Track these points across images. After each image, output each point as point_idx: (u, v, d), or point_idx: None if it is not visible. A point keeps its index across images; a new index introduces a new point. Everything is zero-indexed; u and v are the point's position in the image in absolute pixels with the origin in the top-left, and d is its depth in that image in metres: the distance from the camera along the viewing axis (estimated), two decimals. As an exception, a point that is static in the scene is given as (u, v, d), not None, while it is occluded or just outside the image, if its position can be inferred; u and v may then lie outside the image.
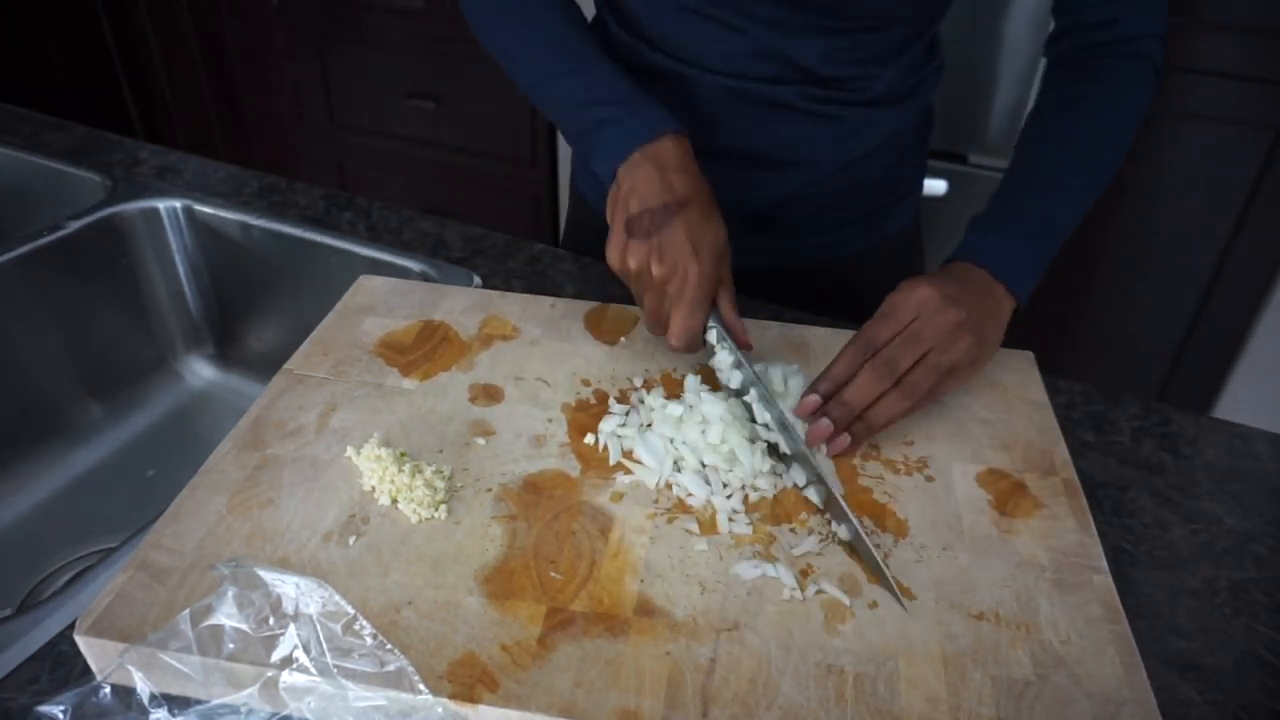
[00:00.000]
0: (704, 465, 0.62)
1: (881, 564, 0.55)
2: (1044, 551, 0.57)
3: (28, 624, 0.54)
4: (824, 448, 0.62)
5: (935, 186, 1.62)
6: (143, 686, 0.49)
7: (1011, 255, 0.68)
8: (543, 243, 0.94)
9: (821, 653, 0.50)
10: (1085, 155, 0.72)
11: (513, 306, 0.78)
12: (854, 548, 0.57)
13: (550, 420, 0.66)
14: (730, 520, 0.58)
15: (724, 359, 0.66)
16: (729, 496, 0.60)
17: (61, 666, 0.52)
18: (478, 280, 0.87)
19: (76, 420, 0.95)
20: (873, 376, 0.62)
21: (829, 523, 0.59)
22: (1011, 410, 0.68)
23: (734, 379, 0.65)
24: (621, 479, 0.61)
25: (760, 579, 0.54)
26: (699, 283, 0.63)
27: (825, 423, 0.61)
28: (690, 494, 0.60)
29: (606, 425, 0.65)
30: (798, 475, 0.61)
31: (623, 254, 0.66)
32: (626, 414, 0.66)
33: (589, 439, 0.64)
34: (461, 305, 0.78)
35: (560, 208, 2.14)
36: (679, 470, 0.62)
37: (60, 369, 0.94)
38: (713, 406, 0.64)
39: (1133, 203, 1.69)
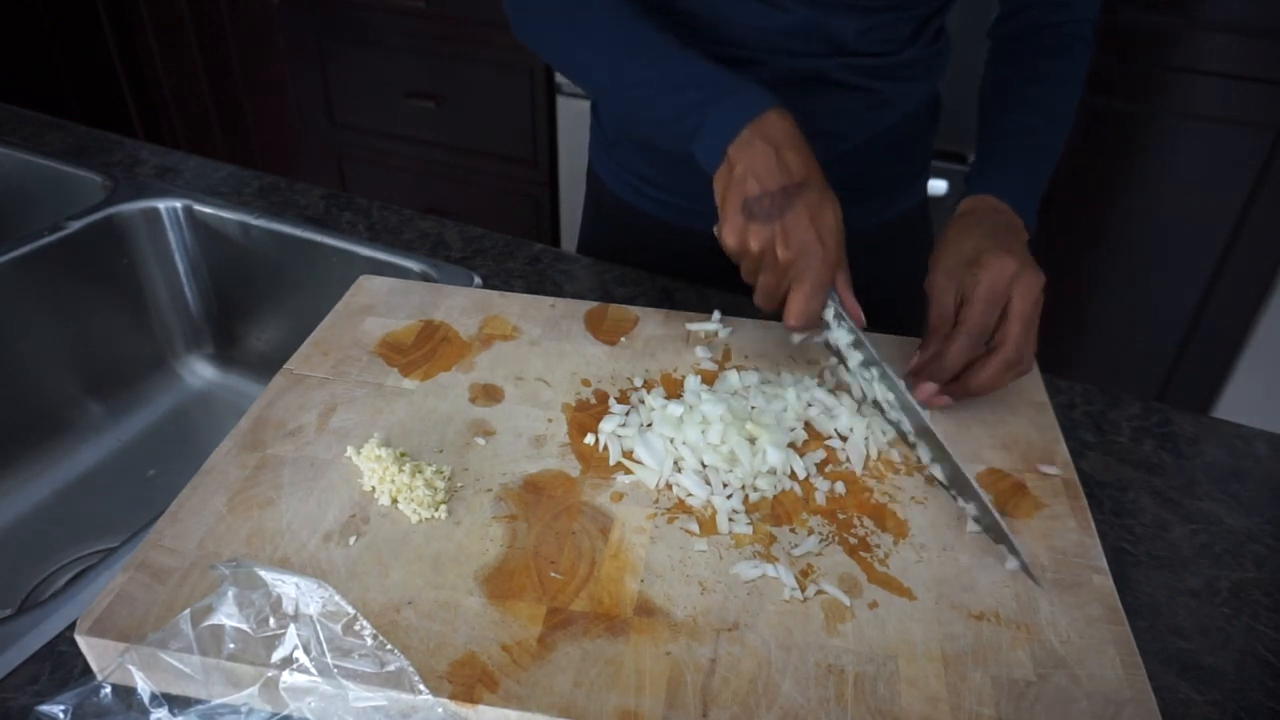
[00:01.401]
0: (704, 465, 0.62)
1: (1012, 539, 0.56)
2: (1044, 551, 0.57)
3: (28, 624, 0.54)
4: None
5: (936, 186, 1.62)
6: (143, 686, 0.49)
7: (1022, 190, 0.75)
8: (543, 243, 0.94)
9: (821, 653, 0.50)
10: (1048, 113, 0.79)
11: (513, 306, 0.78)
12: (982, 524, 0.59)
13: (550, 420, 0.66)
14: (730, 520, 0.58)
15: (843, 337, 0.67)
16: (729, 496, 0.60)
17: (61, 666, 0.52)
18: (478, 280, 0.87)
19: (76, 420, 0.95)
20: (1002, 367, 0.64)
21: (950, 492, 0.61)
22: (1011, 410, 0.68)
23: (853, 357, 0.67)
24: (621, 479, 0.61)
25: (760, 579, 0.54)
26: (824, 266, 0.64)
27: (946, 399, 0.66)
28: (690, 494, 0.60)
29: (606, 425, 0.65)
30: (923, 453, 0.64)
31: (743, 236, 0.65)
32: (626, 414, 0.66)
33: (589, 439, 0.64)
34: (461, 305, 0.78)
35: (560, 208, 2.14)
36: (679, 470, 0.62)
37: (60, 369, 0.94)
38: (713, 406, 0.64)
39: (1133, 203, 1.69)
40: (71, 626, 0.52)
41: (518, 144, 2.08)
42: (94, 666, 0.51)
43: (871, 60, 0.82)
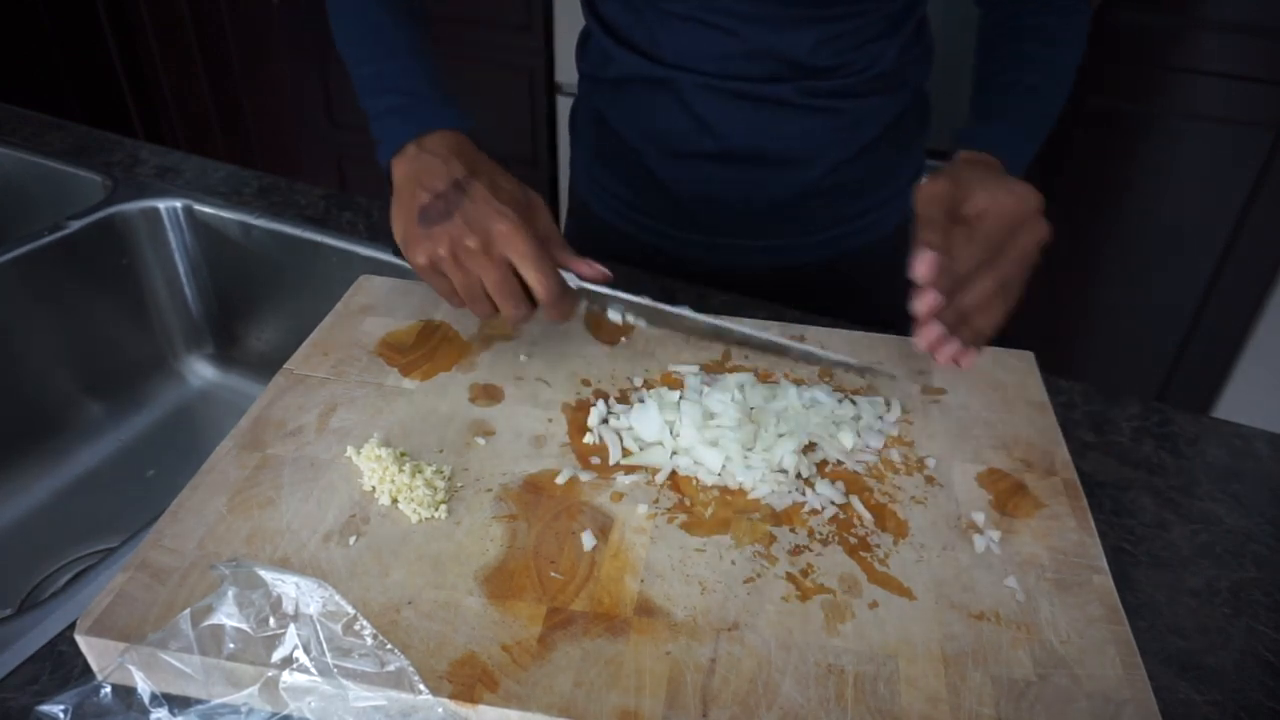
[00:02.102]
0: (698, 464, 0.62)
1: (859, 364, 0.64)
2: (1044, 551, 0.57)
3: (28, 624, 0.54)
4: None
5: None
6: (143, 686, 0.49)
7: (1020, 148, 0.70)
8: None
9: (821, 653, 0.50)
10: (1046, 70, 0.74)
11: (513, 306, 0.78)
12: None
13: (550, 420, 0.66)
14: (756, 485, 0.60)
15: (625, 316, 0.69)
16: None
17: (61, 666, 0.52)
18: (478, 280, 0.87)
19: (76, 420, 0.95)
20: (993, 288, 0.59)
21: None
22: (1011, 410, 0.68)
23: (615, 311, 0.69)
24: (621, 479, 0.61)
25: (760, 579, 0.54)
26: (525, 236, 0.59)
27: (941, 331, 0.59)
28: (698, 463, 0.61)
29: (595, 419, 0.65)
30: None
31: (427, 246, 0.60)
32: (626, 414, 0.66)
33: (589, 439, 0.64)
34: (461, 305, 0.78)
35: (561, 208, 2.14)
36: (676, 457, 0.62)
37: (60, 369, 0.94)
38: (715, 398, 0.64)
39: (1133, 203, 1.69)
40: (71, 626, 0.52)
41: (518, 144, 2.08)
42: (94, 666, 0.51)
43: (834, 80, 0.79)
